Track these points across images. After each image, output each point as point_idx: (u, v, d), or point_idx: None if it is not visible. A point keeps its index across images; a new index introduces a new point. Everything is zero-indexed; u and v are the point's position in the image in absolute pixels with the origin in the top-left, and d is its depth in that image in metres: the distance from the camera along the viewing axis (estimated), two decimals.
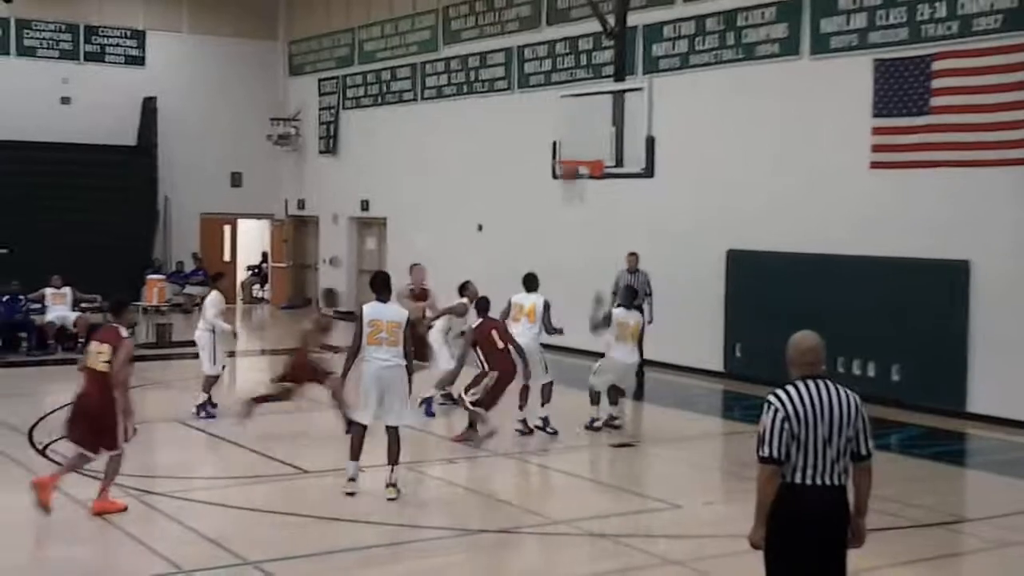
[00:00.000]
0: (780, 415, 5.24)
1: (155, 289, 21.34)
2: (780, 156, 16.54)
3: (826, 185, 15.82)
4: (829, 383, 5.35)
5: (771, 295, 16.20)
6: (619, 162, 15.87)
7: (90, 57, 26.53)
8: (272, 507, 9.54)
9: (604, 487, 11.09)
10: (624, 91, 16.49)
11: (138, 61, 27.07)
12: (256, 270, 29.80)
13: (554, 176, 16.53)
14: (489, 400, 12.01)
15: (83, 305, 19.25)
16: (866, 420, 5.38)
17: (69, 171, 24.62)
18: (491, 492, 10.70)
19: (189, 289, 24.83)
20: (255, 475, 10.98)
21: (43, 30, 26.12)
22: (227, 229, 29.03)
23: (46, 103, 25.36)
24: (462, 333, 13.51)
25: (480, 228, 21.74)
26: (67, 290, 19.00)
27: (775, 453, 5.22)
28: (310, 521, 9.23)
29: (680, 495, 10.27)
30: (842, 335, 13.45)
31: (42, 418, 12.97)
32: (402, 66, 24.56)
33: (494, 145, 21.64)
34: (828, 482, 5.26)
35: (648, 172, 15.60)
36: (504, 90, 21.76)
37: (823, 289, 15.49)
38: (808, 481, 5.24)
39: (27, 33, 25.90)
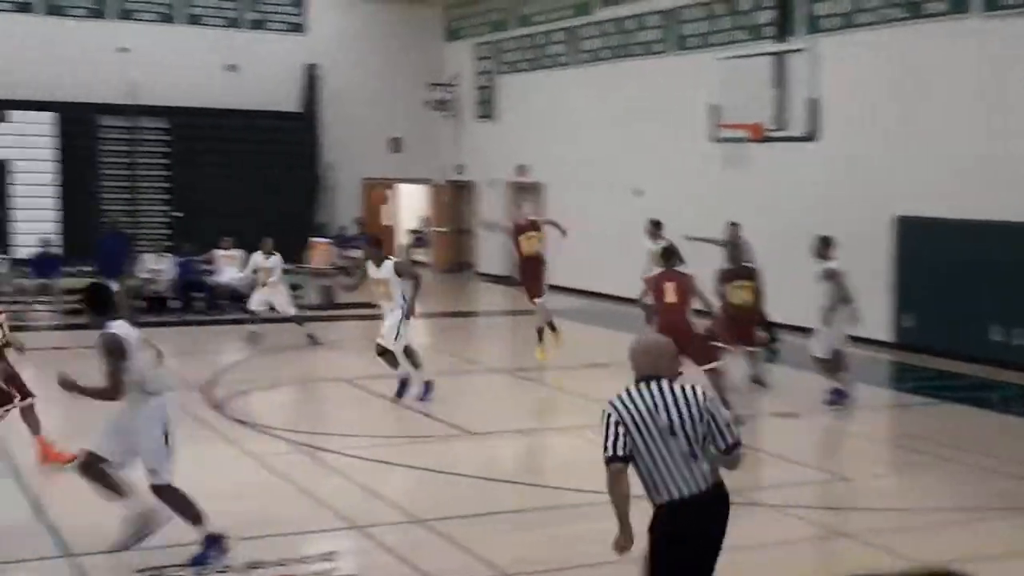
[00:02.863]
0: (614, 418, 5.19)
1: (320, 252, 21.95)
2: (952, 119, 16.01)
3: (1006, 148, 15.23)
4: (670, 384, 5.25)
5: (946, 263, 15.74)
6: (781, 125, 15.65)
7: (254, 25, 27.25)
8: (440, 467, 9.80)
9: (770, 457, 11.01)
10: (786, 52, 16.24)
11: (299, 28, 27.69)
12: (418, 234, 30.32)
13: (712, 140, 16.38)
14: None
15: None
16: (718, 412, 5.25)
17: (236, 137, 25.41)
18: None
19: (351, 252, 25.41)
20: (423, 435, 11.26)
21: None
22: (388, 193, 29.59)
23: (212, 71, 26.10)
24: None
25: (638, 193, 21.67)
26: (237, 252, 19.71)
27: (618, 451, 5.14)
28: (476, 481, 9.46)
29: (848, 467, 10.14)
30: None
31: (218, 375, 13.54)
32: (557, 30, 24.57)
33: (650, 109, 21.51)
34: (696, 489, 5.14)
35: (811, 135, 15.35)
36: (660, 53, 21.58)
37: (1001, 257, 15.00)
38: (676, 495, 5.14)
39: (194, 1, 26.71)
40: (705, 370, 11.36)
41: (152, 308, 19.19)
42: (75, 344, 16.60)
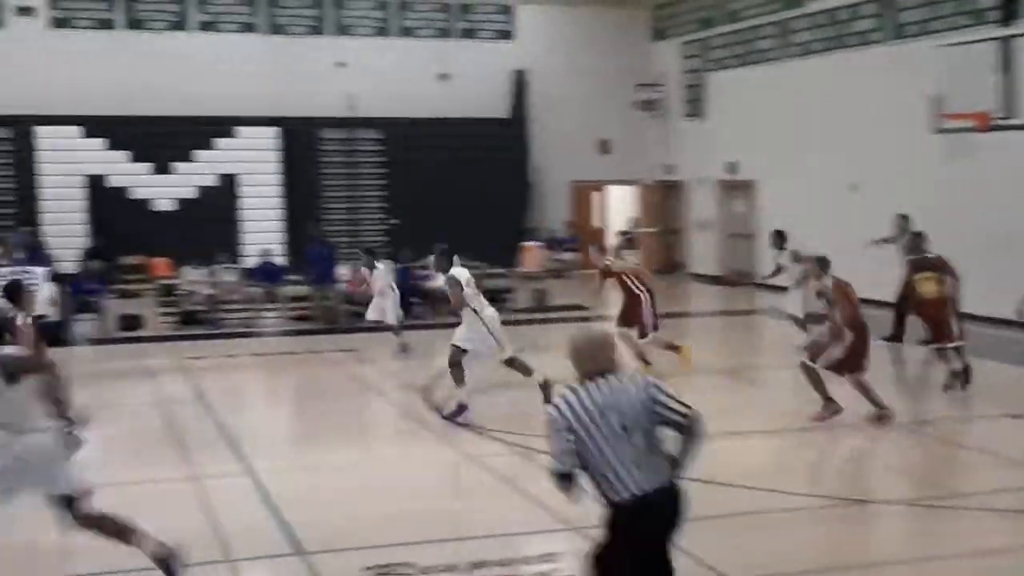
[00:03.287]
0: (562, 424, 5.08)
1: (532, 256, 22.18)
2: None
3: None
4: (614, 378, 5.13)
5: None
6: (1009, 113, 14.94)
7: (464, 34, 27.77)
8: None
9: (994, 458, 10.50)
10: (1012, 36, 15.49)
11: (508, 35, 28.06)
12: (627, 235, 30.24)
13: (933, 132, 15.76)
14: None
15: (469, 272, 20.32)
16: (662, 392, 5.15)
17: (448, 145, 25.97)
18: (888, 463, 10.44)
19: (562, 255, 25.63)
20: None
21: (420, 11, 27.55)
22: (596, 196, 29.66)
23: (425, 81, 26.70)
24: None
25: (854, 189, 21.03)
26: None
27: (565, 466, 5.11)
28: (692, 484, 9.35)
29: None
30: None
31: (437, 377, 13.85)
32: (767, 24, 24.11)
33: (865, 101, 20.83)
34: (655, 485, 5.08)
35: None
36: (876, 43, 20.88)
37: None
38: (635, 493, 5.06)
39: (407, 15, 27.41)
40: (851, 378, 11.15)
41: None
42: (301, 349, 17.37)
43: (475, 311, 11.85)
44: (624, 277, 14.10)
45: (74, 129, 24.18)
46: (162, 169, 24.86)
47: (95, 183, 24.27)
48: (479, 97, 26.83)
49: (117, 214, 23.89)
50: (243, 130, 25.25)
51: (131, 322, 19.03)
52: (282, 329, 19.14)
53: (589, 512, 8.52)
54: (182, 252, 21.29)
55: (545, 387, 11.77)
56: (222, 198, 24.99)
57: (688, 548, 7.64)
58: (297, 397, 13.16)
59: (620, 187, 29.69)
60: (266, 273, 20.66)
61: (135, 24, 25.25)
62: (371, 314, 16.82)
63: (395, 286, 16.76)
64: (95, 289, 19.47)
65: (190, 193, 24.93)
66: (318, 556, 7.64)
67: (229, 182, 25.16)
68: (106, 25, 25.07)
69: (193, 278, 20.12)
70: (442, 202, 25.02)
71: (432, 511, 8.74)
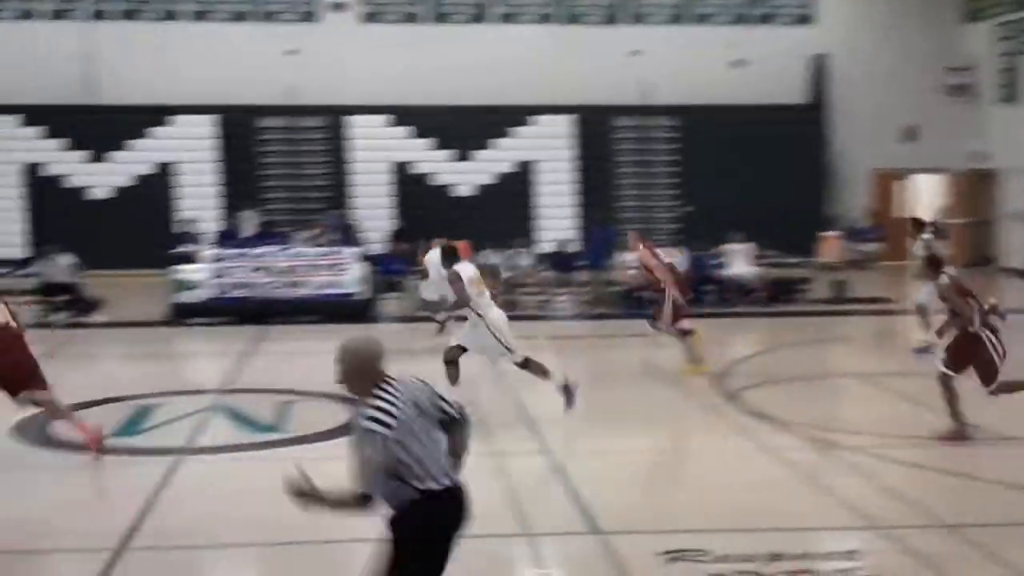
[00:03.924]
0: (384, 435, 4.91)
1: (831, 246, 21.56)
2: None
3: None
4: (398, 381, 5.11)
5: None
6: None
7: (761, 20, 27.21)
8: (960, 470, 9.29)
9: None
10: None
11: (808, 19, 27.29)
12: (934, 227, 28.88)
13: None
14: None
15: (762, 261, 20.06)
16: (437, 394, 5.23)
17: (741, 132, 25.52)
18: None
19: (862, 246, 24.72)
20: (926, 436, 10.65)
21: None
22: (897, 184, 28.43)
23: (719, 67, 26.25)
24: None
25: None
26: (746, 246, 19.85)
27: (369, 488, 4.93)
28: (993, 487, 8.87)
29: None
30: None
31: (730, 366, 13.70)
32: None
33: None
34: (450, 481, 5.15)
35: None
36: None
37: None
38: (435, 485, 5.07)
39: (702, 1, 27.10)
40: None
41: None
42: (595, 333, 17.57)
43: (479, 314, 11.42)
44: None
45: (382, 118, 25.35)
46: (462, 156, 25.72)
47: (401, 169, 25.36)
48: (775, 83, 26.24)
49: (420, 199, 24.89)
50: (539, 119, 25.75)
51: (433, 303, 19.74)
52: (576, 313, 19.39)
53: (891, 510, 8.27)
54: (480, 236, 21.93)
55: (567, 390, 11.28)
56: (518, 185, 25.59)
57: (1002, 553, 7.26)
58: (591, 380, 13.28)
59: (926, 175, 28.34)
60: (560, 261, 21.05)
61: (440, 17, 26.19)
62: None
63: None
64: (400, 269, 20.37)
65: (488, 180, 25.67)
66: (613, 536, 7.70)
67: (525, 169, 25.73)
68: (412, 19, 26.14)
69: (491, 261, 20.68)
70: (736, 190, 24.65)
71: (727, 501, 8.65)
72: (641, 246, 14.61)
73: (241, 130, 24.87)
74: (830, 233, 22.43)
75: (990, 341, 10.07)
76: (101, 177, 24.55)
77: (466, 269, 11.69)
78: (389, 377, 5.14)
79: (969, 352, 10.18)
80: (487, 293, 11.65)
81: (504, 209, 24.61)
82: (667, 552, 7.26)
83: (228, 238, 21.44)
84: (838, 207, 26.40)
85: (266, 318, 17.70)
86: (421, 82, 24.85)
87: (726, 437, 10.68)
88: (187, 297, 18.47)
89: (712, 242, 20.32)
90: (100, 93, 24.24)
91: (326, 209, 23.74)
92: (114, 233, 22.81)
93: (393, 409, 4.99)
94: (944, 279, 10.43)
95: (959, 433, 10.22)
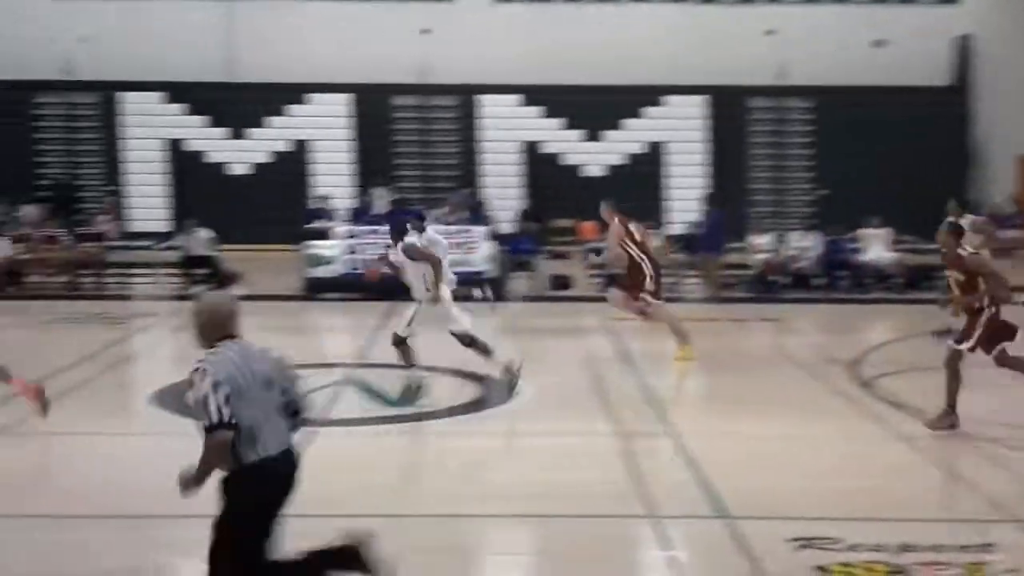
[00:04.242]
0: (214, 380, 5.04)
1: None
2: None
3: None
4: (244, 342, 5.27)
5: None
6: None
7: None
8: None
9: None
10: None
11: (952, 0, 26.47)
12: None
13: None
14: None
15: (900, 247, 19.59)
16: (289, 368, 5.37)
17: (880, 114, 24.89)
18: None
19: (1006, 233, 23.88)
20: None
21: None
22: None
23: (858, 48, 25.62)
24: None
25: None
26: (884, 231, 19.40)
27: (225, 418, 5.03)
28: None
29: None
30: None
31: (865, 353, 13.42)
32: None
33: None
34: (286, 446, 5.29)
35: None
36: None
37: None
38: (271, 452, 5.20)
39: None
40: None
41: (796, 285, 19.50)
42: (725, 316, 17.38)
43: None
44: None
45: (513, 98, 25.44)
46: (592, 137, 25.64)
47: (531, 149, 25.41)
48: (916, 64, 25.51)
49: (550, 179, 24.91)
50: (671, 99, 25.51)
51: (561, 282, 19.82)
52: (707, 296, 19.19)
53: None
54: None
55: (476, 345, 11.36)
56: (649, 165, 25.42)
57: None
58: (718, 364, 13.18)
59: None
60: (690, 243, 20.86)
61: None
62: None
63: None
64: (529, 249, 20.46)
65: (619, 160, 25.54)
66: (741, 521, 7.62)
67: (656, 150, 25.53)
68: None
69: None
70: (873, 173, 24.07)
71: (858, 488, 8.49)
72: (615, 220, 14.19)
73: (375, 108, 25.22)
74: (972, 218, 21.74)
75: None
76: (240, 153, 25.18)
77: (432, 238, 11.64)
78: (237, 338, 5.31)
79: (1005, 329, 9.77)
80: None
81: (634, 190, 24.40)
82: (796, 539, 7.15)
83: (360, 215, 21.78)
84: (980, 192, 25.59)
85: (396, 294, 17.91)
86: (552, 62, 24.83)
87: (859, 424, 10.48)
88: (320, 272, 18.85)
89: (848, 227, 19.90)
90: (240, 71, 24.83)
91: (456, 188, 23.95)
92: (251, 208, 23.37)
93: (229, 364, 5.14)
94: (967, 249, 9.91)
95: (948, 421, 9.82)
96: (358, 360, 13.50)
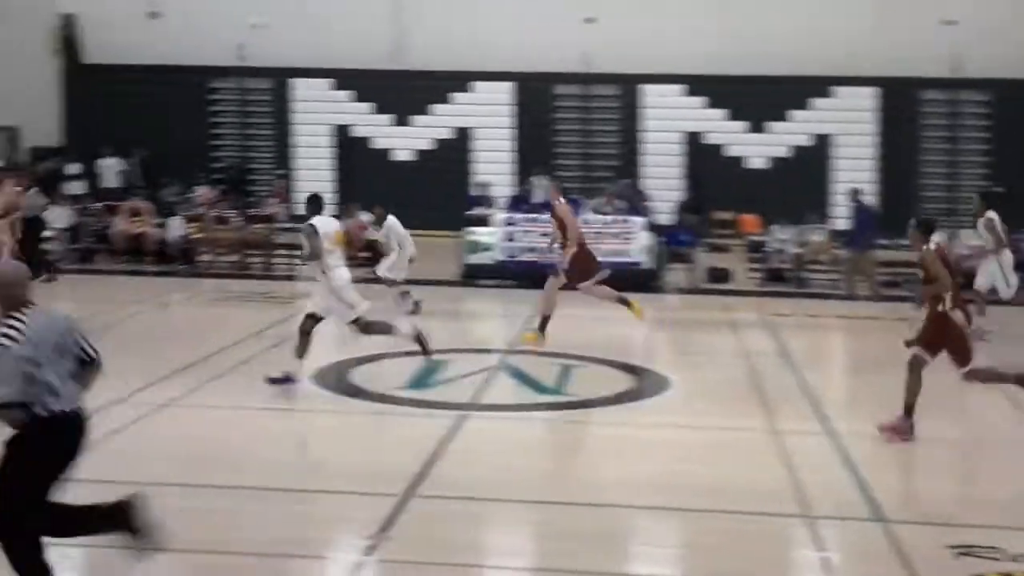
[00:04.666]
0: (14, 352, 5.33)
1: None
2: None
3: None
4: (37, 308, 5.56)
5: None
6: None
7: None
8: None
9: None
10: None
11: None
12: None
13: None
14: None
15: None
16: (78, 327, 5.72)
17: None
18: None
19: None
20: None
21: None
22: None
23: None
24: None
25: None
26: None
27: (15, 398, 5.35)
28: None
29: None
30: None
31: None
32: None
33: None
34: (75, 405, 5.58)
35: None
36: None
37: None
38: (62, 408, 5.48)
39: None
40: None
41: (967, 285, 18.74)
42: (889, 315, 16.87)
43: (324, 271, 10.99)
44: None
45: (675, 88, 25.20)
46: (756, 128, 25.20)
47: (692, 140, 25.17)
48: None
49: (711, 170, 24.60)
50: (840, 90, 24.91)
51: (719, 275, 19.55)
52: (868, 294, 18.66)
53: None
54: (771, 210, 21.48)
55: (419, 339, 11.60)
56: (815, 159, 24.86)
57: None
58: (878, 363, 12.78)
59: None
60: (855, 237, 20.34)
61: None
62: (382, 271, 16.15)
63: None
64: (687, 241, 20.25)
65: (783, 152, 25.07)
66: (899, 526, 7.41)
67: (822, 143, 24.98)
68: None
69: (782, 236, 20.25)
70: None
71: (1020, 497, 8.16)
72: (560, 199, 14.36)
73: (537, 97, 25.29)
74: None
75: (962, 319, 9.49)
76: (404, 140, 25.56)
77: (326, 224, 11.29)
78: (32, 304, 5.57)
79: (940, 332, 9.49)
80: (339, 252, 11.24)
81: (798, 184, 23.97)
82: (955, 546, 6.92)
83: (520, 203, 21.91)
84: None
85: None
86: (716, 51, 24.44)
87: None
88: (479, 259, 19.04)
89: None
90: (406, 59, 25.21)
91: (615, 177, 23.85)
92: (413, 194, 23.68)
93: (23, 328, 5.44)
94: (930, 246, 9.66)
95: (904, 428, 9.44)
96: (512, 347, 13.59)
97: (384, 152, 25.58)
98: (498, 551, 7.42)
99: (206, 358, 12.16)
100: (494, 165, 24.94)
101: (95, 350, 5.79)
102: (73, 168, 24.32)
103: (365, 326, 11.30)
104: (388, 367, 11.99)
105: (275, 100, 25.79)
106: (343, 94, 25.62)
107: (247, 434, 9.63)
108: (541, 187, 22.87)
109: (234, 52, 25.21)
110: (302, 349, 10.91)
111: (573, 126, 25.58)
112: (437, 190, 23.70)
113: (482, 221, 19.87)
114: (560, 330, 13.62)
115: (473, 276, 18.98)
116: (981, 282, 14.77)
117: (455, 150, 25.34)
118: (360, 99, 25.56)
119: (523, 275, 18.28)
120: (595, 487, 8.36)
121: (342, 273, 11.15)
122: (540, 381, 11.65)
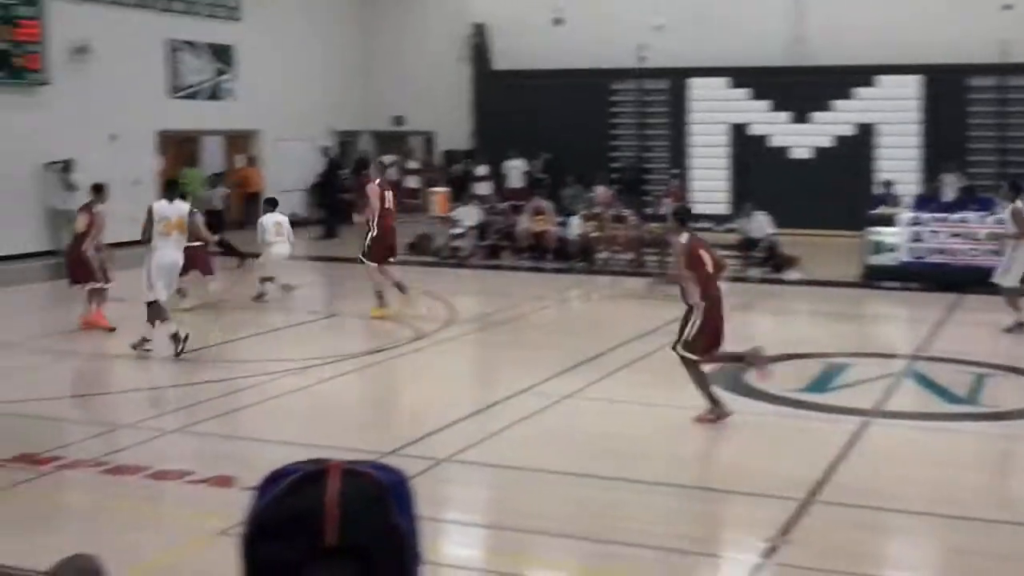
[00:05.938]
0: None
1: None
2: None
3: None
4: None
5: None
6: None
7: None
8: None
9: None
10: None
11: None
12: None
13: None
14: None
15: None
16: None
17: None
18: None
19: None
20: None
21: None
22: None
23: None
24: None
25: None
26: None
27: None
28: None
29: None
30: None
31: None
32: None
33: None
34: None
35: None
36: None
37: None
38: None
39: None
40: None
41: None
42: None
43: (149, 250, 11.94)
44: None
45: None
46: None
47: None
48: None
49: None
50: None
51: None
52: None
53: None
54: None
55: (175, 338, 11.84)
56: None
57: None
58: None
59: None
60: None
61: None
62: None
63: None
64: None
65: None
66: None
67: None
68: None
69: None
70: None
71: None
72: (376, 182, 14.89)
73: (948, 90, 24.00)
74: None
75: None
76: (803, 137, 25.06)
77: (163, 208, 12.01)
78: None
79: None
80: (174, 235, 11.99)
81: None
82: None
83: (927, 202, 20.82)
84: None
85: (963, 286, 16.94)
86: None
87: None
88: (881, 260, 18.26)
89: None
90: (805, 54, 24.67)
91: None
92: (811, 193, 23.24)
93: None
94: (683, 238, 9.74)
95: (719, 412, 9.47)
96: (918, 353, 12.92)
97: (782, 150, 25.20)
98: (904, 565, 7.08)
99: (608, 351, 12.42)
100: (899, 162, 24.00)
101: None
102: (481, 170, 25.70)
103: (150, 304, 12.06)
104: (783, 369, 11.75)
105: (672, 100, 26.08)
106: (740, 92, 25.50)
107: (650, 428, 9.71)
108: (951, 185, 21.78)
109: (634, 54, 25.68)
110: (157, 314, 12.07)
111: (988, 119, 24.10)
112: (836, 189, 23.19)
113: (886, 221, 19.04)
114: (971, 337, 12.82)
115: (875, 277, 18.21)
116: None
117: (857, 147, 24.59)
118: (757, 96, 25.35)
119: (930, 277, 17.37)
120: (1000, 503, 7.83)
121: (161, 256, 12.13)
122: (951, 389, 11.00)
